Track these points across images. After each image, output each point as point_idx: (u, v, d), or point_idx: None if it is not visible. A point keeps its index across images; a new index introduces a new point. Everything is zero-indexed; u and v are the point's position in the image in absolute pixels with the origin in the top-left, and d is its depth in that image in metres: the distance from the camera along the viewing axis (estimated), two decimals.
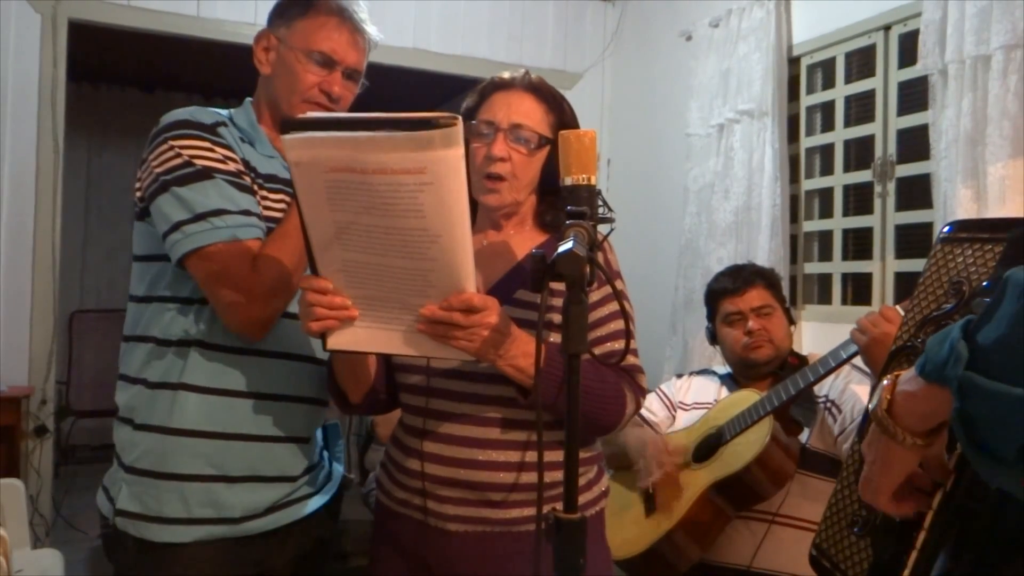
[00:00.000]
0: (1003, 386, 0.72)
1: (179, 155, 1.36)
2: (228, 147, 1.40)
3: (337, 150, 1.04)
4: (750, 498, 2.00)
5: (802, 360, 2.20)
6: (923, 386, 0.81)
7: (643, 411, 2.28)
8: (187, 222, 1.34)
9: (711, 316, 2.31)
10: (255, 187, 1.42)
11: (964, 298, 0.96)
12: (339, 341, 1.21)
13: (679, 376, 2.50)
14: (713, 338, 2.32)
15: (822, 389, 2.08)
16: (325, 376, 1.49)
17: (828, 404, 2.07)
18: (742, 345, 2.18)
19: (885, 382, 0.87)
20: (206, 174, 1.35)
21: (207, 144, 1.38)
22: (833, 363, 1.92)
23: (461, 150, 1.02)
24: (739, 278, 2.24)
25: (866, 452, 0.91)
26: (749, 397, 2.08)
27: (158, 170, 1.37)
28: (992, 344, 0.73)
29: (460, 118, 1.01)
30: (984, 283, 0.94)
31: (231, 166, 1.39)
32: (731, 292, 2.22)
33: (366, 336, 1.20)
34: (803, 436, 2.06)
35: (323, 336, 1.21)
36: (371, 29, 1.52)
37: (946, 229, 1.05)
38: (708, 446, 2.09)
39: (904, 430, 0.85)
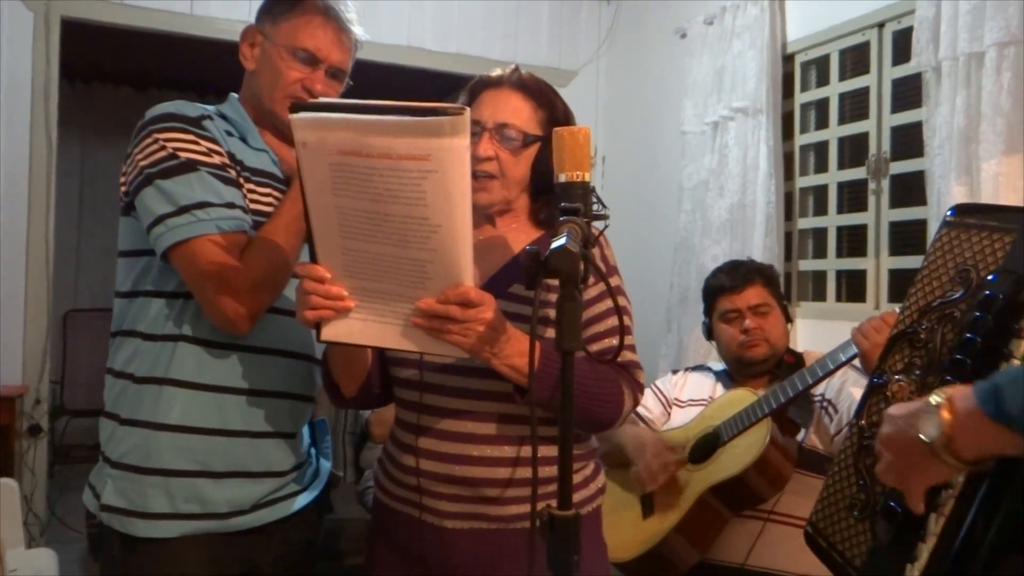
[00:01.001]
0: None
1: (163, 148, 1.36)
2: (213, 140, 1.40)
3: (344, 132, 1.05)
4: (748, 500, 1.99)
5: (798, 358, 2.20)
6: (995, 427, 0.77)
7: (640, 408, 2.27)
8: (170, 215, 1.33)
9: (708, 312, 2.30)
10: (241, 180, 1.42)
11: (972, 287, 0.95)
12: (334, 332, 1.21)
13: (674, 372, 2.48)
14: (709, 334, 2.31)
15: (819, 388, 2.07)
16: (312, 372, 1.49)
17: (825, 404, 2.06)
18: (738, 343, 2.18)
19: (943, 412, 0.82)
20: (190, 166, 1.35)
21: (191, 137, 1.38)
22: (832, 366, 1.91)
23: (467, 140, 1.03)
24: (737, 275, 2.23)
25: (886, 448, 0.89)
26: (746, 397, 2.07)
27: (142, 163, 1.37)
28: None
29: (467, 109, 1.02)
30: (990, 275, 0.93)
31: (216, 159, 1.38)
32: (729, 289, 2.22)
33: (361, 329, 1.20)
34: (799, 435, 2.06)
35: (317, 326, 1.21)
36: (357, 29, 1.52)
37: (949, 213, 1.03)
38: (705, 447, 2.07)
39: (956, 458, 0.82)
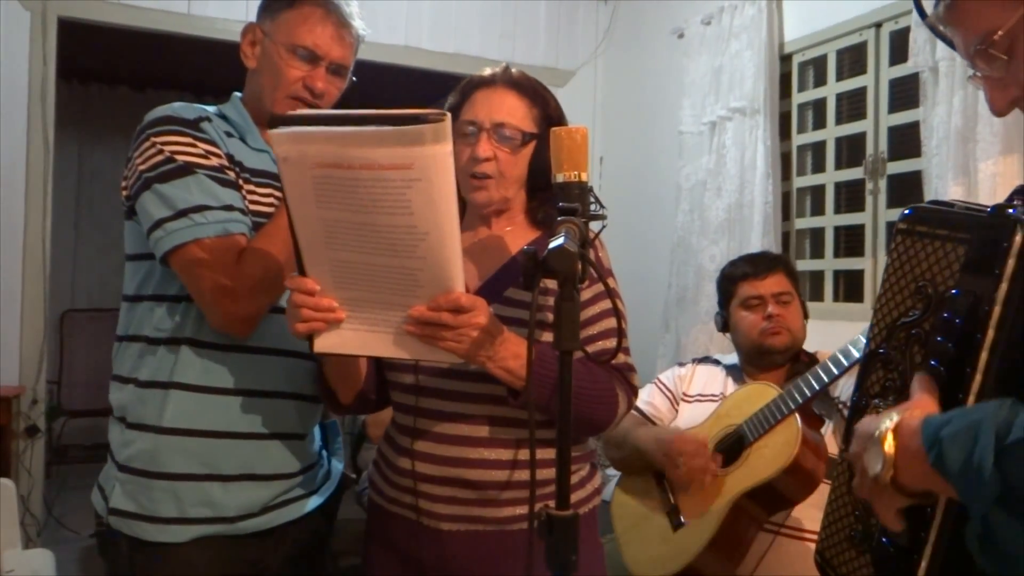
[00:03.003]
0: None
1: (161, 152, 1.36)
2: (211, 142, 1.40)
3: (324, 145, 1.04)
4: (783, 503, 1.90)
5: (812, 358, 2.12)
6: (933, 474, 0.76)
7: (645, 405, 2.21)
8: (169, 219, 1.33)
9: (725, 301, 2.22)
10: (240, 182, 1.41)
11: (930, 303, 0.93)
12: (326, 343, 1.20)
13: (681, 365, 2.36)
14: (725, 325, 2.22)
15: (836, 392, 2.00)
16: (314, 372, 1.49)
17: (842, 407, 1.99)
18: (759, 330, 2.10)
19: (886, 446, 0.81)
20: (187, 170, 1.35)
21: (189, 140, 1.37)
22: (857, 353, 1.84)
23: (449, 147, 1.02)
24: (760, 263, 2.18)
25: (855, 466, 0.88)
26: (765, 392, 1.98)
27: (141, 168, 1.37)
28: None
29: (449, 114, 1.01)
30: (953, 290, 0.90)
31: (214, 161, 1.38)
32: (751, 276, 2.15)
33: (354, 338, 1.19)
34: (824, 428, 1.98)
35: (310, 338, 1.20)
36: (358, 24, 1.50)
37: (907, 213, 0.99)
38: (728, 449, 1.98)
39: (901, 492, 0.82)
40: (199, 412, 1.38)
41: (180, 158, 1.35)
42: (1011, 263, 0.83)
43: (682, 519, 1.98)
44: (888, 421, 0.82)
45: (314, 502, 1.50)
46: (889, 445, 0.81)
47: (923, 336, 0.93)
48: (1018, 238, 0.83)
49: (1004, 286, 0.83)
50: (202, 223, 1.32)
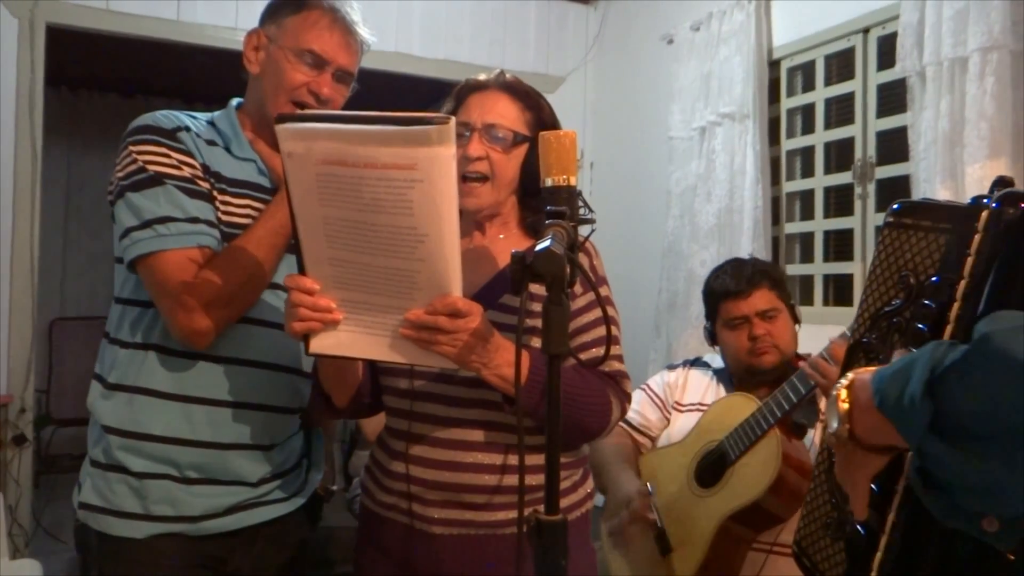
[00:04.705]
0: (972, 458, 0.70)
1: (135, 161, 1.37)
2: (186, 152, 1.40)
3: (330, 142, 1.05)
4: (767, 522, 1.87)
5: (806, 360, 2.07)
6: (882, 420, 0.79)
7: (635, 416, 2.18)
8: (135, 229, 1.35)
9: (711, 316, 2.14)
10: (215, 192, 1.41)
11: (911, 292, 0.95)
12: (322, 345, 1.20)
13: (670, 368, 2.30)
14: (713, 339, 2.16)
15: (822, 403, 1.95)
16: (294, 384, 1.49)
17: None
18: (746, 351, 2.04)
19: (841, 402, 0.84)
20: (157, 180, 1.36)
21: (163, 149, 1.38)
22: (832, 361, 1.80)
23: (453, 149, 1.03)
24: (742, 279, 2.06)
25: (839, 474, 0.90)
26: (745, 405, 1.94)
27: (119, 175, 1.39)
28: (967, 416, 0.70)
29: (453, 118, 1.02)
30: (932, 278, 0.93)
31: (186, 171, 1.38)
32: (734, 295, 2.05)
33: (349, 341, 1.19)
34: (807, 436, 1.95)
35: (305, 338, 1.20)
36: (364, 31, 1.51)
37: (895, 207, 1.02)
38: (711, 467, 1.94)
39: (864, 447, 0.84)
40: (161, 418, 1.39)
41: (152, 168, 1.36)
42: (977, 238, 0.87)
43: (669, 544, 1.96)
44: (844, 380, 0.85)
45: (285, 508, 1.50)
46: (843, 400, 0.84)
47: (903, 324, 0.96)
48: (984, 214, 0.88)
49: (971, 259, 0.87)
50: (165, 235, 1.34)
